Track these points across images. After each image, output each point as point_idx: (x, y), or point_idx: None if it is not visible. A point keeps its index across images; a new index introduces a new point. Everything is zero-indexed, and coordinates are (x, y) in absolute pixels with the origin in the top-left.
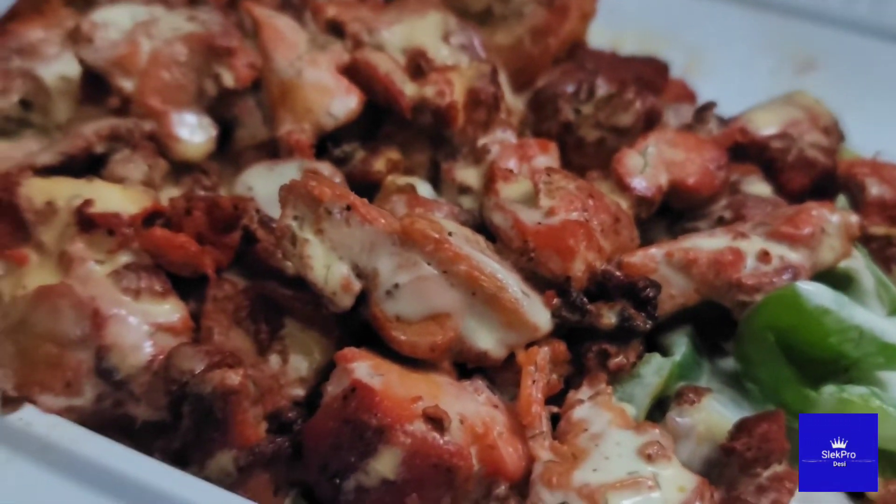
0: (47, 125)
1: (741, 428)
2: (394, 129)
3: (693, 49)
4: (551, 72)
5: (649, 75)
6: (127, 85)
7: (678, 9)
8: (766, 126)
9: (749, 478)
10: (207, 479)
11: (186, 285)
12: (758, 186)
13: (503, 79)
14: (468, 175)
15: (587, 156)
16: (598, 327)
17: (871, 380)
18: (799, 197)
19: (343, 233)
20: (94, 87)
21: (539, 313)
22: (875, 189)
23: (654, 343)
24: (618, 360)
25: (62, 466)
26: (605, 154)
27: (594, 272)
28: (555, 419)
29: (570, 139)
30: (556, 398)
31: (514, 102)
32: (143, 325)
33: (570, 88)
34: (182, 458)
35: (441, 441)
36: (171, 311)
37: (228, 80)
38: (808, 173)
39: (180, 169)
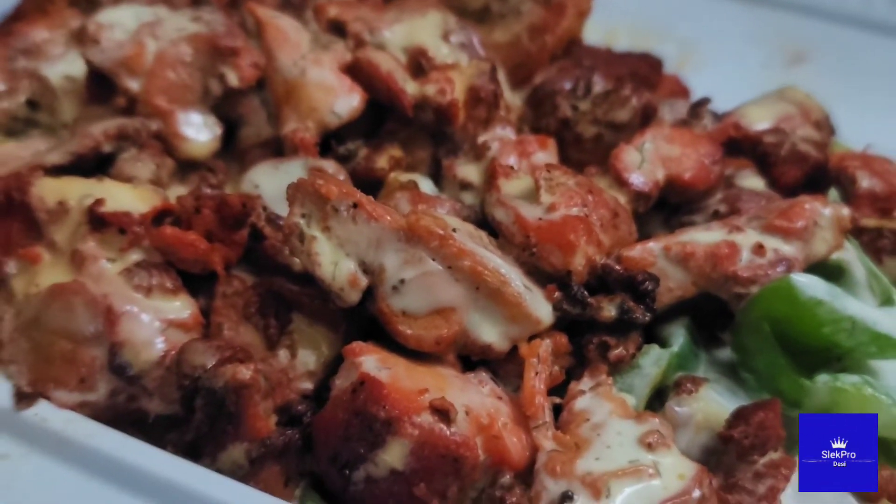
0: (54, 124)
1: (738, 416)
2: (395, 127)
3: (685, 42)
4: (548, 69)
5: (644, 71)
6: (133, 85)
7: (670, 3)
8: (760, 121)
9: (746, 465)
10: (220, 471)
11: (196, 282)
12: (752, 180)
13: (501, 76)
14: (469, 171)
15: (585, 151)
16: (599, 320)
17: (864, 368)
18: (792, 190)
19: (350, 230)
20: (100, 86)
21: (541, 307)
22: (866, 182)
23: (652, 334)
24: (618, 352)
25: (78, 460)
26: (603, 149)
27: (594, 266)
28: (557, 410)
29: (568, 135)
30: (558, 389)
31: (513, 99)
32: (154, 321)
33: (567, 85)
34: (194, 451)
35: (448, 432)
36: (181, 307)
37: (233, 79)
38: (800, 167)
39: (186, 167)
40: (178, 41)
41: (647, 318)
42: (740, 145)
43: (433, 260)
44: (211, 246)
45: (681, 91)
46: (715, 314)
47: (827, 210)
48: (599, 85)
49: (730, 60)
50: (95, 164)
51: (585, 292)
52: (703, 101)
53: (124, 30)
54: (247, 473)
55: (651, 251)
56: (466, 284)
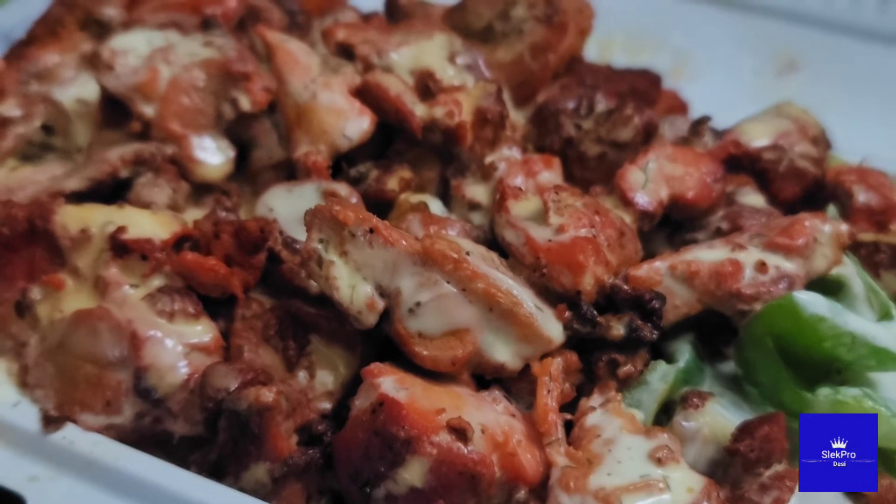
0: (68, 148)
1: (744, 430)
2: (404, 147)
3: (678, 52)
4: (551, 87)
5: (643, 87)
6: (148, 110)
7: (663, 12)
8: (758, 138)
9: (752, 477)
10: (243, 490)
11: (215, 305)
12: (752, 197)
13: (506, 95)
14: (477, 191)
15: (589, 169)
16: (608, 338)
17: (864, 381)
18: (791, 205)
19: (366, 254)
20: (114, 111)
21: (552, 326)
22: (862, 196)
23: (658, 350)
24: (626, 369)
25: (106, 482)
26: (606, 167)
27: (603, 286)
28: (568, 426)
29: (572, 153)
30: (569, 406)
31: (517, 117)
32: (178, 345)
33: (570, 104)
34: (218, 471)
35: (465, 450)
36: (203, 331)
37: (245, 103)
38: (798, 183)
39: (201, 190)
40: (190, 66)
41: (654, 336)
42: (740, 162)
43: (448, 283)
44: (230, 270)
45: (679, 106)
46: (718, 329)
47: (826, 227)
48: (602, 104)
49: (723, 69)
50: (112, 189)
51: (595, 312)
52: (704, 120)
53: (137, 55)
54: (270, 492)
55: (657, 270)
56: (480, 306)
